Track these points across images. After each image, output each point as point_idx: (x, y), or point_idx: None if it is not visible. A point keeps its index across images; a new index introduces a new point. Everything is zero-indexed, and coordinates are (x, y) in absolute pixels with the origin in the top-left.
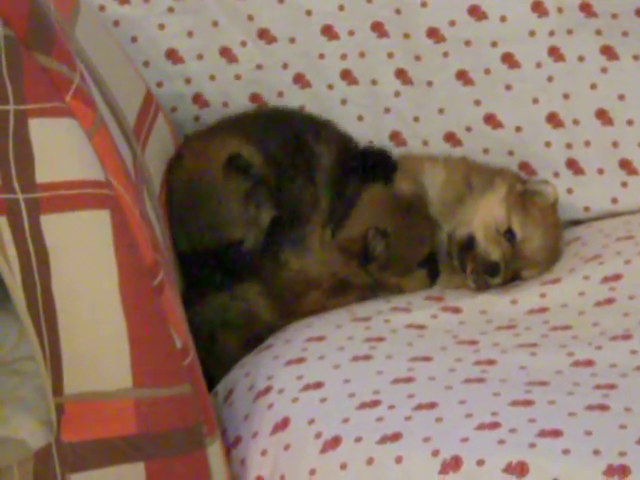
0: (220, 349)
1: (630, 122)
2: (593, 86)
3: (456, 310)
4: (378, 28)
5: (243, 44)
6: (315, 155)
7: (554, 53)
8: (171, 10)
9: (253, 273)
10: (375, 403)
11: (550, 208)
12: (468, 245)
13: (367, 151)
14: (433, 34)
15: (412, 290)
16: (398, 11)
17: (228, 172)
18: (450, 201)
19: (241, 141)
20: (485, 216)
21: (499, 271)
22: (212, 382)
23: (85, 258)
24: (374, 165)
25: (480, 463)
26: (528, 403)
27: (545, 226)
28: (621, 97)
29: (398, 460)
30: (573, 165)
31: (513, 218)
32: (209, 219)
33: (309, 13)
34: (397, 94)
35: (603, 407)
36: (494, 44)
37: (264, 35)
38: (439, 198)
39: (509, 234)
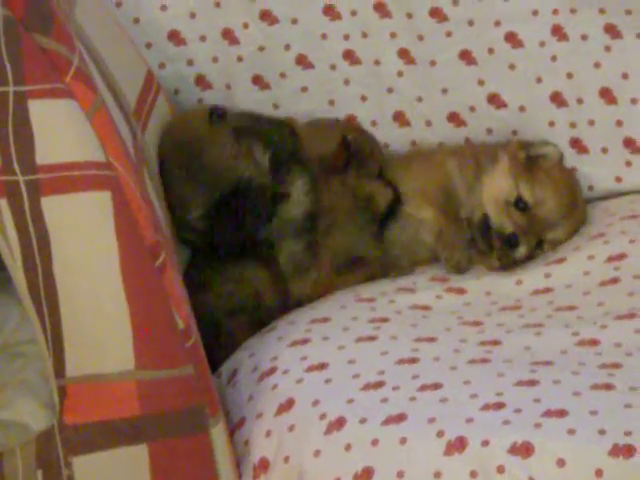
0: (225, 335)
1: (634, 101)
2: (597, 65)
3: (461, 291)
4: (380, 8)
5: (245, 26)
6: None
7: (557, 32)
8: None
9: (266, 220)
10: (379, 384)
11: (556, 167)
12: (485, 225)
13: None
14: (436, 14)
15: (384, 200)
16: None
17: (213, 123)
18: (470, 187)
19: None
20: (492, 191)
21: (518, 241)
22: (215, 364)
23: (86, 239)
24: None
25: (485, 443)
26: (533, 383)
27: (555, 186)
28: (625, 76)
29: (403, 441)
30: (577, 144)
31: (521, 186)
32: (210, 167)
33: None
34: (400, 74)
35: (608, 386)
36: (497, 23)
37: (266, 16)
38: (461, 187)
39: (520, 203)
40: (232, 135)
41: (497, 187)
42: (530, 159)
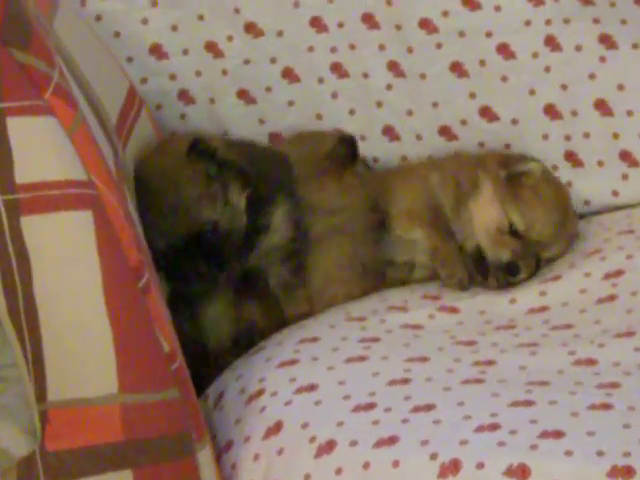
0: (211, 357)
1: (630, 113)
2: (592, 76)
3: (454, 310)
4: (368, 19)
5: (229, 38)
6: None
7: (551, 43)
8: (154, 4)
9: (240, 258)
10: (371, 405)
11: (541, 183)
12: (479, 256)
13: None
14: (425, 25)
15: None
16: (389, 2)
17: (191, 159)
18: (454, 206)
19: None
20: (482, 222)
21: (518, 269)
22: (202, 386)
23: (68, 260)
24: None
25: (480, 466)
26: (529, 403)
27: (544, 204)
28: (620, 87)
29: (395, 464)
30: (572, 157)
31: (510, 211)
32: (175, 204)
33: (297, 5)
34: (389, 87)
35: (606, 406)
36: (489, 34)
37: (251, 29)
38: (447, 204)
39: (513, 229)
40: (205, 173)
41: (486, 216)
42: (512, 176)
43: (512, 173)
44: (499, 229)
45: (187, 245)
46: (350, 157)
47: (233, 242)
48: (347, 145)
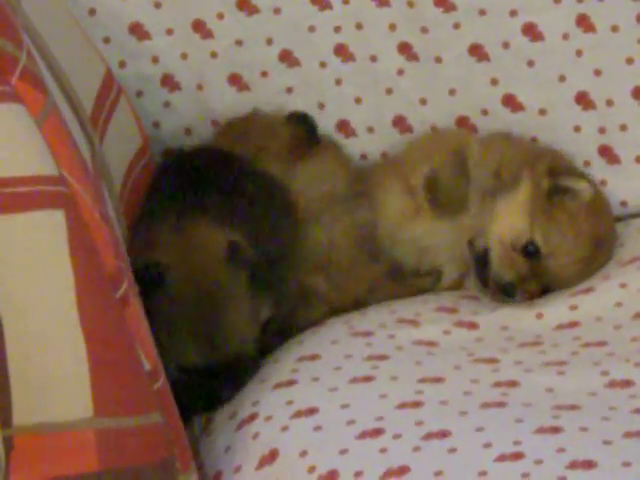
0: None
1: None
2: (629, 60)
3: (472, 325)
4: None
5: (220, 16)
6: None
7: (583, 23)
8: None
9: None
10: (378, 432)
11: (583, 210)
12: (484, 259)
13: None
14: (442, 2)
15: None
16: None
17: (230, 266)
18: (481, 190)
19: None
20: (501, 227)
21: (514, 293)
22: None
23: (36, 267)
24: None
25: None
26: (556, 430)
27: (577, 236)
28: None
29: None
30: (607, 152)
31: (536, 229)
32: (220, 326)
33: None
34: (400, 72)
35: None
36: (513, 13)
37: (244, 5)
38: (473, 183)
39: (531, 247)
40: (246, 290)
41: (508, 224)
42: (555, 189)
43: (558, 184)
44: (514, 243)
45: (217, 368)
46: (311, 135)
47: (255, 370)
48: (301, 122)
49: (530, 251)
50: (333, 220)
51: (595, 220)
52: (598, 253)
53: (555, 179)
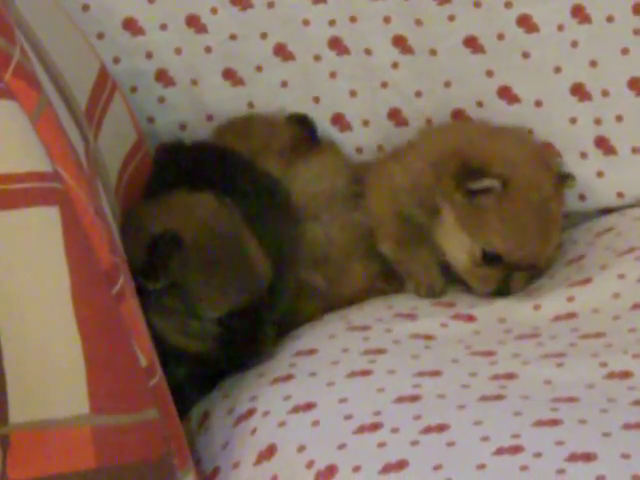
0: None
1: None
2: (624, 51)
3: (470, 318)
4: None
5: (214, 11)
6: None
7: (578, 14)
8: None
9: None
10: (376, 426)
11: (503, 198)
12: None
13: None
14: None
15: None
16: None
17: (234, 214)
18: (423, 218)
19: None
20: (453, 256)
21: (508, 292)
22: (184, 404)
23: (31, 264)
24: None
25: None
26: (555, 423)
27: (513, 223)
28: None
29: None
30: (603, 144)
31: (478, 239)
32: (250, 261)
33: None
34: (395, 65)
35: None
36: (508, 5)
37: (238, 0)
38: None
39: (488, 255)
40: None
41: (455, 250)
42: (470, 194)
43: (472, 190)
44: (473, 261)
45: (254, 308)
46: (310, 135)
47: (286, 299)
48: (302, 125)
49: (491, 258)
50: (331, 218)
51: (523, 198)
52: (547, 225)
53: (467, 185)
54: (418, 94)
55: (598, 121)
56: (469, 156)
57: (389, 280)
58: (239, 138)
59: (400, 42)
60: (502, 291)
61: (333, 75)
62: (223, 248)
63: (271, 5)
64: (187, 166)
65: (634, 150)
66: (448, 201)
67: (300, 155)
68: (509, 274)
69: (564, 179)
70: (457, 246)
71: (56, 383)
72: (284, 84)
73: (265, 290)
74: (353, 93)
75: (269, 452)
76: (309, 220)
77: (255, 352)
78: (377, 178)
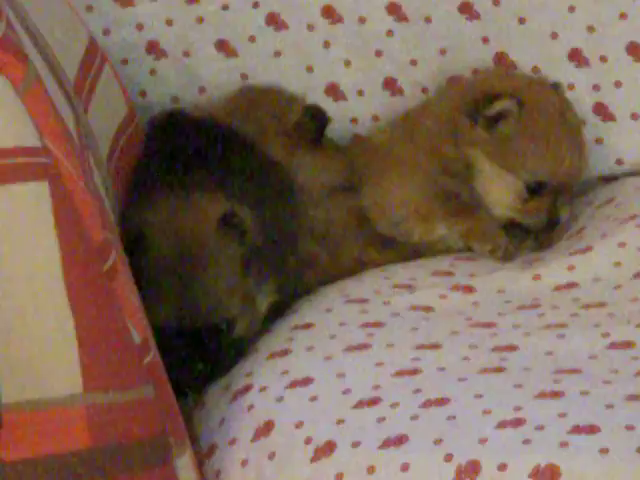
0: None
1: None
2: (622, 16)
3: (469, 289)
4: None
5: None
6: None
7: None
8: None
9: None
10: (375, 401)
11: (524, 119)
12: (514, 224)
13: None
14: None
15: None
16: None
17: (222, 233)
18: (461, 185)
19: (231, 197)
20: (498, 201)
21: (558, 220)
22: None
23: (21, 240)
24: None
25: (502, 468)
26: (557, 395)
27: (542, 142)
28: None
29: (404, 468)
30: (602, 110)
31: (517, 172)
32: (197, 291)
33: None
34: (390, 33)
35: None
36: None
37: None
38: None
39: (531, 187)
40: (242, 260)
41: (498, 194)
42: (488, 125)
43: (489, 116)
44: (519, 197)
45: (191, 337)
46: (317, 132)
47: (239, 351)
48: (315, 118)
49: (534, 189)
50: (333, 204)
51: (542, 114)
52: (572, 129)
53: (482, 120)
54: (413, 62)
55: (596, 87)
56: (476, 91)
57: (382, 251)
58: (248, 109)
59: (394, 9)
60: (553, 220)
61: (327, 44)
62: (179, 260)
63: None
64: (181, 144)
65: (633, 116)
66: (475, 147)
67: (299, 146)
68: (555, 199)
69: (556, 88)
70: (500, 189)
71: (48, 362)
72: (277, 54)
73: (213, 326)
74: (347, 62)
75: (267, 428)
76: (312, 205)
77: (182, 380)
78: (397, 166)
